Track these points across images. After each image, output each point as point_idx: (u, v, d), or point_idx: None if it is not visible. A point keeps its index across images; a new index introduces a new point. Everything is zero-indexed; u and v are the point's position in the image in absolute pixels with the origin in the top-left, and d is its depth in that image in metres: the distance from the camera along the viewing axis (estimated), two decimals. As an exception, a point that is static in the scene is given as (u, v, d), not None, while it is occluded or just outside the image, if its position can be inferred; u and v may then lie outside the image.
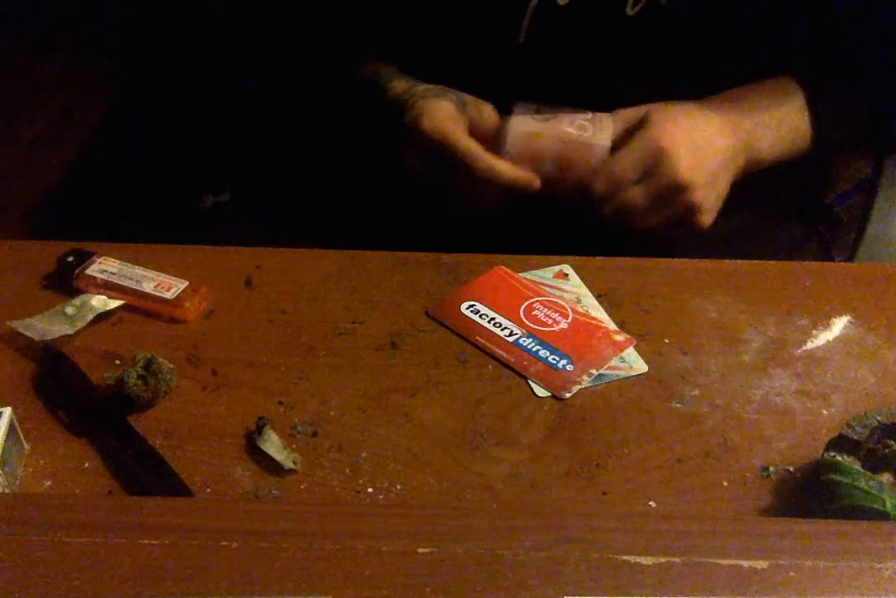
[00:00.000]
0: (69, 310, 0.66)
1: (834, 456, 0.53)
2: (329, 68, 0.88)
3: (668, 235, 0.74)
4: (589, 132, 0.72)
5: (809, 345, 0.66)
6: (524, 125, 0.73)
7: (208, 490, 0.56)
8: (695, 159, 0.70)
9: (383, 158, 0.82)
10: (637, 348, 0.65)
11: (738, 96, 0.76)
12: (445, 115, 0.74)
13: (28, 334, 0.64)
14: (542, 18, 0.76)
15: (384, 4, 0.82)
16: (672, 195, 0.70)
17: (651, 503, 0.55)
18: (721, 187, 0.73)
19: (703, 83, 0.75)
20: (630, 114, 0.73)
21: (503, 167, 0.72)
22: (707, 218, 0.72)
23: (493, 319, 0.67)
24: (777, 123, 0.76)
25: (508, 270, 0.72)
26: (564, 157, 0.72)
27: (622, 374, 0.64)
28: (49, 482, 0.56)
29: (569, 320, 0.67)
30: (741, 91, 0.76)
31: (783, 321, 0.68)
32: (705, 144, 0.71)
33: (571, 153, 0.72)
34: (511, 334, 0.66)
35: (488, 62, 0.80)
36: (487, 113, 0.76)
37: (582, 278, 0.71)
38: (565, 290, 0.70)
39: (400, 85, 0.80)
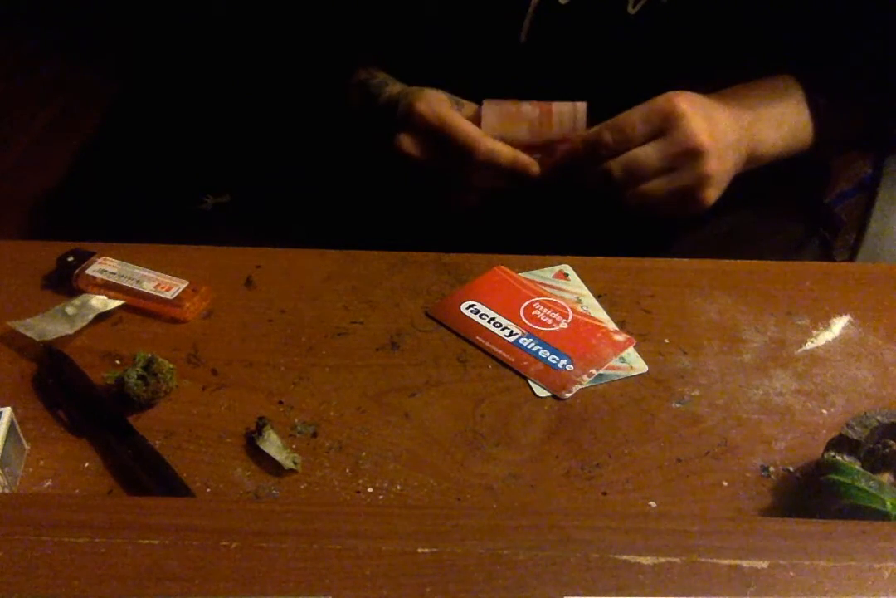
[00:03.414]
0: (69, 310, 0.66)
1: (834, 456, 0.53)
2: (323, 72, 0.88)
3: (671, 210, 0.73)
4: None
5: (809, 345, 0.66)
6: (499, 101, 0.74)
7: (208, 490, 0.56)
8: (709, 128, 0.69)
9: (380, 159, 0.82)
10: (637, 348, 0.65)
11: (738, 93, 0.76)
12: (441, 101, 0.74)
13: (28, 334, 0.64)
14: (543, 18, 0.76)
15: (385, 5, 0.82)
16: (687, 160, 0.69)
17: (651, 502, 0.55)
18: (728, 166, 0.72)
19: (703, 82, 0.75)
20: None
21: (504, 149, 0.72)
22: (713, 193, 0.71)
23: (493, 319, 0.67)
24: (777, 120, 0.76)
25: (508, 270, 0.72)
26: (544, 115, 0.72)
27: (622, 374, 0.64)
28: (49, 482, 0.56)
29: (569, 320, 0.67)
30: (741, 88, 0.76)
31: (783, 321, 0.68)
32: (717, 120, 0.70)
33: (549, 113, 0.72)
34: (511, 334, 0.66)
35: (489, 63, 0.80)
36: (477, 112, 0.76)
37: (582, 278, 0.71)
38: (565, 290, 0.70)
39: (395, 88, 0.80)
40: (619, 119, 0.70)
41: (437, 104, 0.73)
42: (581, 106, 0.71)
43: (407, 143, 0.75)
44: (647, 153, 0.69)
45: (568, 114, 0.72)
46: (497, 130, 0.73)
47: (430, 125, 0.72)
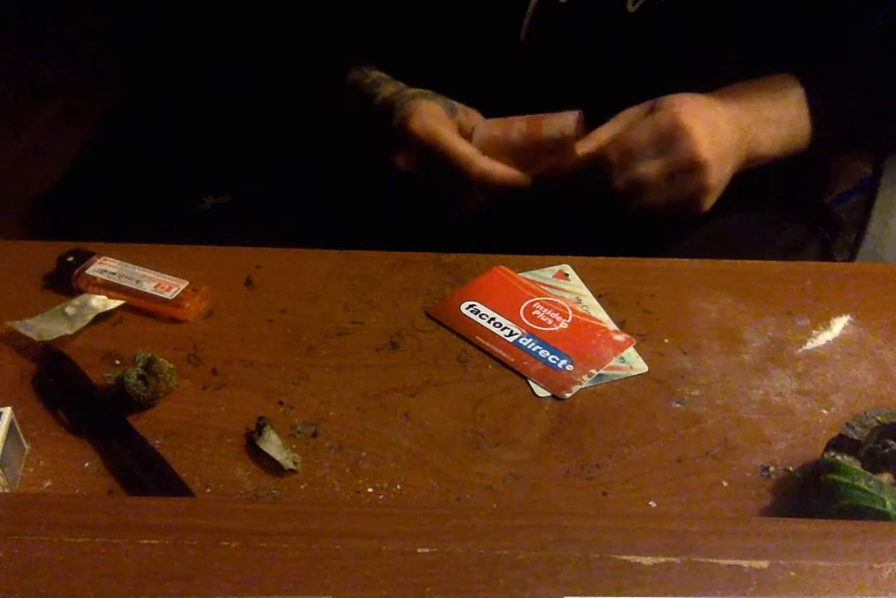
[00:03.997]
0: (69, 310, 0.66)
1: (834, 456, 0.53)
2: (320, 72, 0.87)
3: (667, 215, 0.73)
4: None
5: (809, 345, 0.66)
6: (489, 122, 0.75)
7: (208, 490, 0.56)
8: (712, 139, 0.69)
9: (378, 159, 0.82)
10: (637, 348, 0.65)
11: (737, 92, 0.76)
12: (434, 116, 0.74)
13: (28, 334, 0.64)
14: (543, 17, 0.76)
15: (385, 4, 0.82)
16: (689, 174, 0.70)
17: (651, 502, 0.55)
18: (727, 172, 0.72)
19: (703, 80, 0.75)
20: (634, 111, 0.73)
21: (497, 168, 0.72)
22: (711, 200, 0.72)
23: (493, 319, 0.67)
24: (776, 119, 0.76)
25: (508, 270, 0.72)
26: (533, 127, 0.72)
27: (622, 374, 0.64)
28: (49, 482, 0.56)
29: (569, 320, 0.67)
30: (740, 87, 0.76)
31: (783, 321, 0.68)
32: (718, 125, 0.71)
33: (538, 125, 0.72)
34: (511, 334, 0.66)
35: (489, 62, 0.80)
36: (475, 119, 0.76)
37: (582, 278, 0.71)
38: (565, 290, 0.70)
39: (389, 88, 0.80)
40: (624, 137, 0.71)
41: (429, 120, 0.73)
42: (568, 122, 0.71)
43: (402, 160, 0.75)
44: (651, 170, 0.70)
45: (556, 131, 0.72)
46: (485, 150, 0.74)
47: (422, 144, 0.73)
